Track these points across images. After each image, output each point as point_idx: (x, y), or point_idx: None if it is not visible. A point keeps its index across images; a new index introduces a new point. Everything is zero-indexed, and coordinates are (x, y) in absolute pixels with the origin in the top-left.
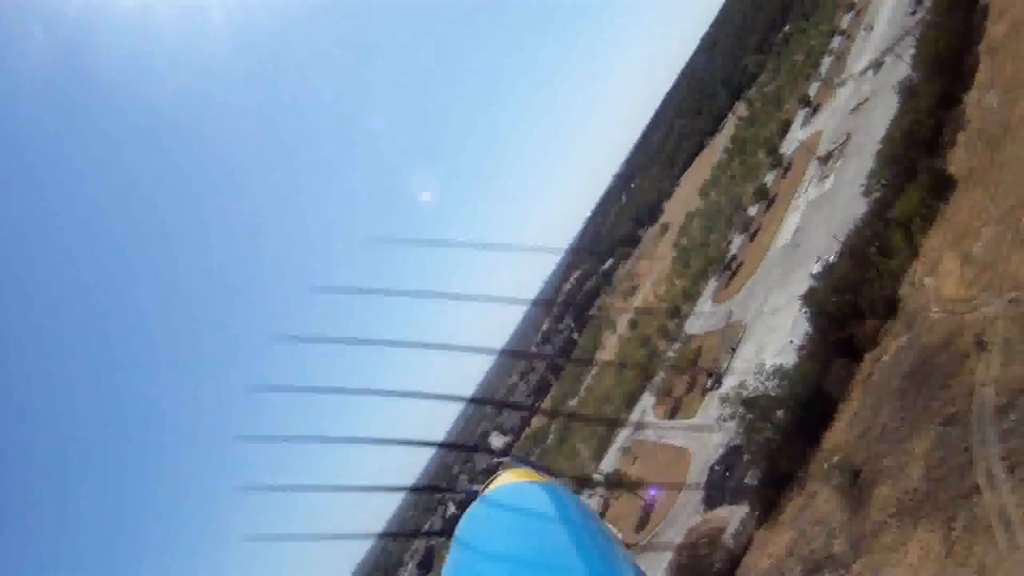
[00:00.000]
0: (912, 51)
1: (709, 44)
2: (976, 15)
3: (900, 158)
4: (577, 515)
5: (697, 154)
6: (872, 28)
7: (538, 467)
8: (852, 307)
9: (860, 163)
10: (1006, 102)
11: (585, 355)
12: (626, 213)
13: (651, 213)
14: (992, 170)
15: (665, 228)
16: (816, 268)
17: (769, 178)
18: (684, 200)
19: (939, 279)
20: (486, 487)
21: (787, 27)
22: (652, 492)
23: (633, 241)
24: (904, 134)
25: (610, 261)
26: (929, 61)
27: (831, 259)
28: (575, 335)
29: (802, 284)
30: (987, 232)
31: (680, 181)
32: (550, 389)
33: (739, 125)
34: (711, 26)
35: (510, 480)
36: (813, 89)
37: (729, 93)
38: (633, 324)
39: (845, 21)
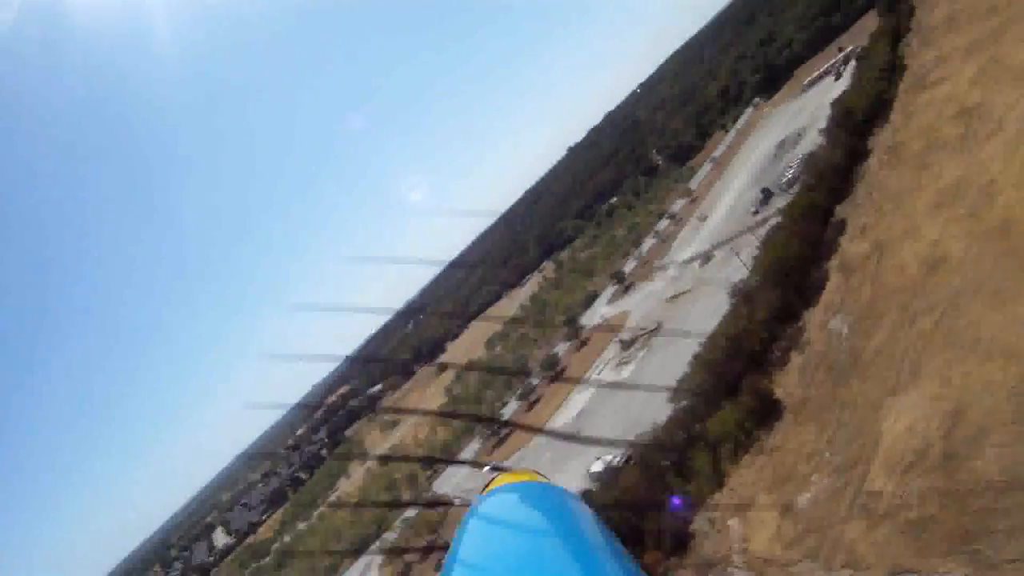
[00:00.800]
0: (752, 252)
1: (532, 199)
2: (830, 229)
3: (720, 367)
4: (577, 515)
5: (494, 303)
6: (706, 219)
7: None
8: (633, 530)
9: (668, 359)
10: (859, 331)
11: (328, 479)
12: (408, 342)
13: (432, 350)
14: (833, 407)
15: (443, 368)
16: (596, 467)
17: (561, 348)
18: (468, 346)
19: (748, 526)
20: (485, 487)
21: (615, 199)
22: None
23: (407, 373)
24: (730, 340)
25: (379, 387)
26: (771, 267)
27: (615, 461)
28: (324, 452)
29: (576, 480)
30: (819, 483)
31: (469, 325)
32: (286, 501)
33: (543, 285)
34: (538, 181)
35: (509, 480)
36: (629, 267)
37: (540, 251)
38: (384, 461)
39: (678, 206)
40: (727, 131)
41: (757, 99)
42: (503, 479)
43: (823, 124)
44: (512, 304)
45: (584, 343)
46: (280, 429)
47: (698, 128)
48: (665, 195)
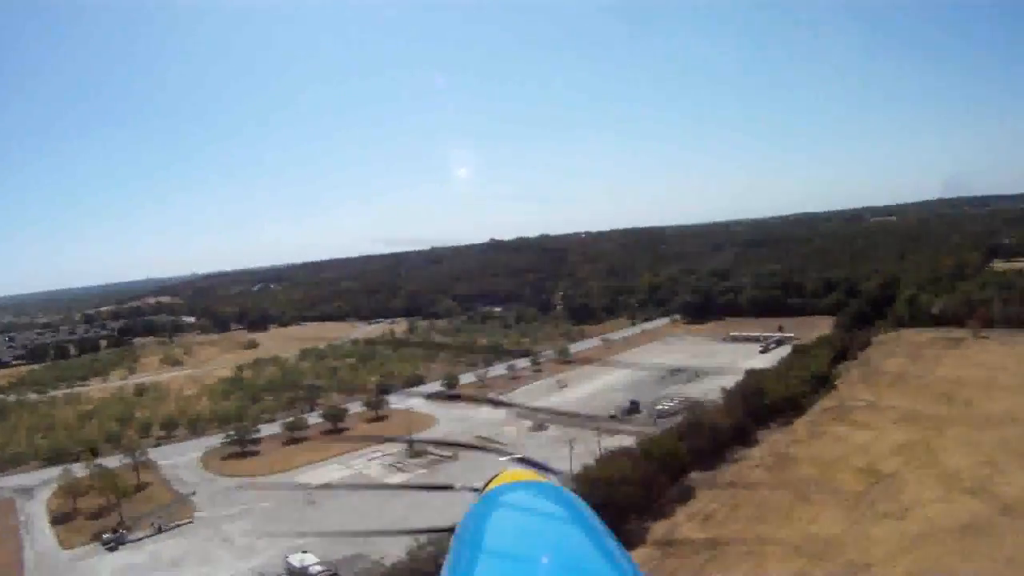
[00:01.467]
0: (588, 452)
1: (436, 258)
2: (673, 489)
3: None
4: (577, 514)
5: (337, 320)
6: (565, 388)
7: (537, 467)
8: None
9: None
10: None
11: (85, 369)
12: (247, 302)
13: (258, 320)
14: None
15: (252, 345)
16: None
17: (355, 408)
18: (288, 339)
19: None
20: (486, 486)
21: (498, 309)
22: None
23: (222, 326)
24: None
25: (192, 320)
26: (594, 484)
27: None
28: (103, 343)
29: None
30: None
31: (305, 324)
32: (41, 361)
33: (386, 335)
34: (451, 246)
35: (510, 479)
36: (465, 379)
37: (406, 305)
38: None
39: (546, 355)
40: (634, 323)
41: (677, 316)
42: (503, 478)
43: (727, 382)
44: (351, 331)
45: (380, 419)
46: (98, 295)
47: (611, 302)
48: (543, 337)
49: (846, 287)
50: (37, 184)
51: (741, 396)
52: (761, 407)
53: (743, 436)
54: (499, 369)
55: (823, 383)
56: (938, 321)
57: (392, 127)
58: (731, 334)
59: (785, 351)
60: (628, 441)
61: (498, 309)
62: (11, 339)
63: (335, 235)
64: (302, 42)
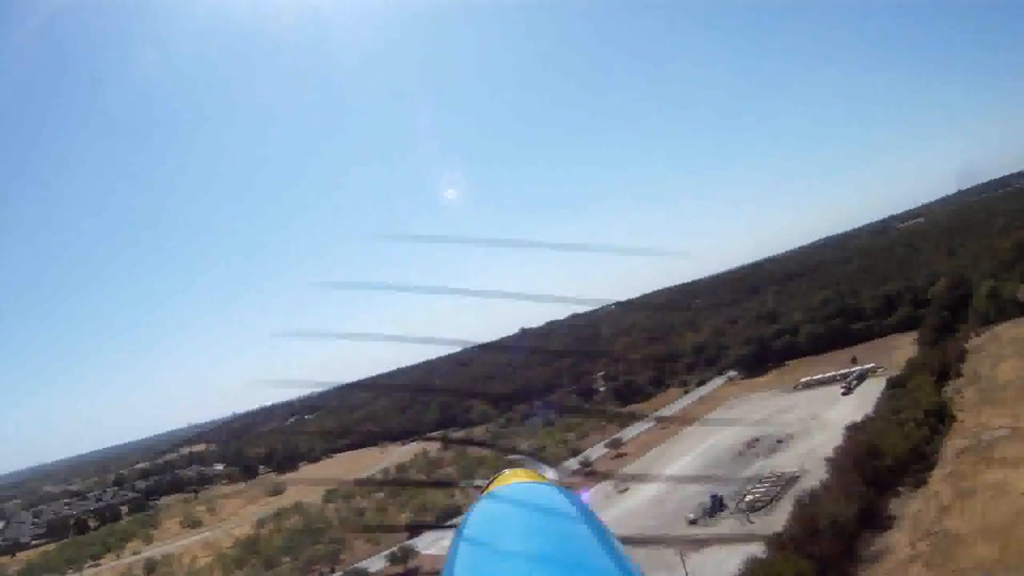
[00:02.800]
0: None
1: (466, 358)
2: None
3: None
4: (578, 514)
5: (368, 446)
6: (625, 493)
7: (539, 467)
8: None
9: None
10: None
11: (100, 546)
12: (275, 438)
13: (286, 460)
14: None
15: (278, 492)
16: None
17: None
18: (327, 476)
19: None
20: (488, 486)
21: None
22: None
23: (250, 472)
24: None
25: (220, 468)
26: None
27: None
28: (125, 508)
29: None
30: None
31: (336, 456)
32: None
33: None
34: (479, 345)
35: (512, 479)
36: None
37: (438, 417)
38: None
39: (597, 451)
40: (687, 391)
41: (734, 372)
42: (505, 479)
43: (821, 444)
44: (381, 459)
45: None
46: (138, 451)
47: (656, 372)
48: (590, 430)
49: (910, 298)
50: (80, 345)
51: (852, 462)
52: (880, 470)
53: (872, 516)
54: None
55: (941, 418)
56: None
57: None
58: (802, 380)
59: (873, 387)
60: (723, 554)
61: (538, 403)
62: (37, 514)
63: (365, 350)
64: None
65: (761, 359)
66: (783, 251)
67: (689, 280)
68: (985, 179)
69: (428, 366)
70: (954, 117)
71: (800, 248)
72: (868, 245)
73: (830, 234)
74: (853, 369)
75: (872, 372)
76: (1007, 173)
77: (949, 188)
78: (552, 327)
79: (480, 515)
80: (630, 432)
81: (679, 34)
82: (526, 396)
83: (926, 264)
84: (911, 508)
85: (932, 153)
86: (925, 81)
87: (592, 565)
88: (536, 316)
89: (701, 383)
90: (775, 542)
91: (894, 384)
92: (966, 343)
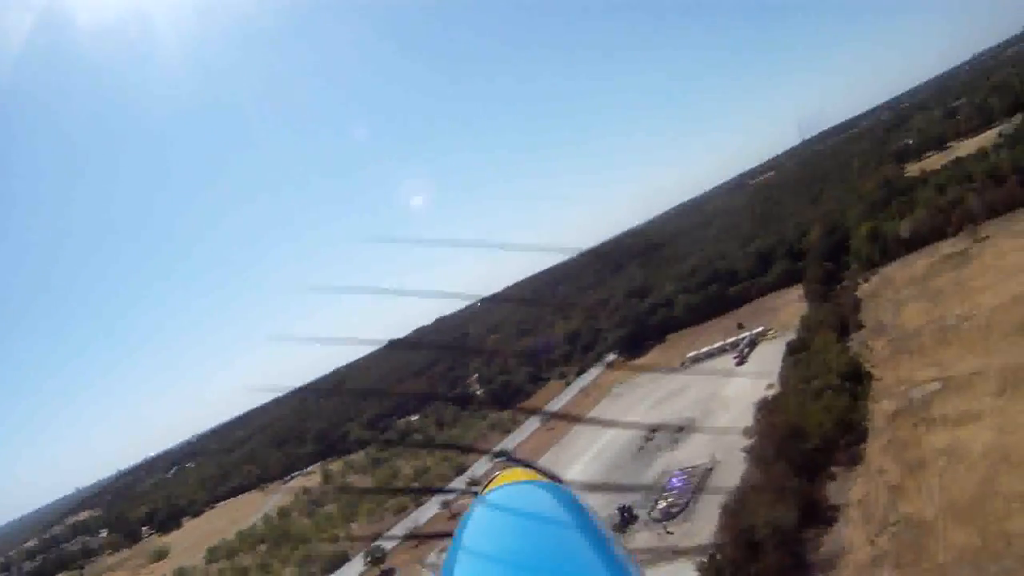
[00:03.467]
0: None
1: (333, 381)
2: None
3: None
4: (578, 514)
5: (250, 489)
6: None
7: (537, 466)
8: None
9: None
10: None
11: None
12: (145, 500)
13: (166, 520)
14: None
15: (159, 557)
16: None
17: None
18: (210, 531)
19: None
20: (486, 486)
21: (415, 417)
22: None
23: (132, 537)
24: None
25: (103, 535)
26: None
27: None
28: None
29: None
30: None
31: (218, 505)
32: None
33: (298, 499)
34: (345, 366)
35: (510, 479)
36: (392, 539)
37: (316, 448)
38: None
39: (483, 467)
40: (568, 383)
41: (613, 355)
42: (504, 477)
43: (730, 425)
44: (263, 503)
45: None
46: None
47: (532, 369)
48: (473, 437)
49: (784, 251)
50: None
51: (775, 449)
52: (807, 453)
53: (812, 509)
54: (432, 507)
55: (857, 379)
56: (911, 246)
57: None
58: (689, 356)
59: (769, 352)
60: None
61: (415, 418)
62: None
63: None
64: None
65: (639, 338)
66: (638, 223)
67: (547, 268)
68: (826, 126)
69: (301, 394)
70: (786, 69)
71: (656, 218)
72: (726, 205)
73: (682, 201)
74: (742, 336)
75: (762, 336)
76: (851, 116)
77: (792, 139)
78: (421, 333)
79: (479, 515)
80: (516, 438)
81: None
82: (403, 411)
83: (791, 216)
84: (855, 493)
85: (770, 106)
86: (745, 38)
87: (592, 565)
88: (400, 327)
89: (582, 372)
90: (711, 567)
91: (794, 349)
92: (856, 291)
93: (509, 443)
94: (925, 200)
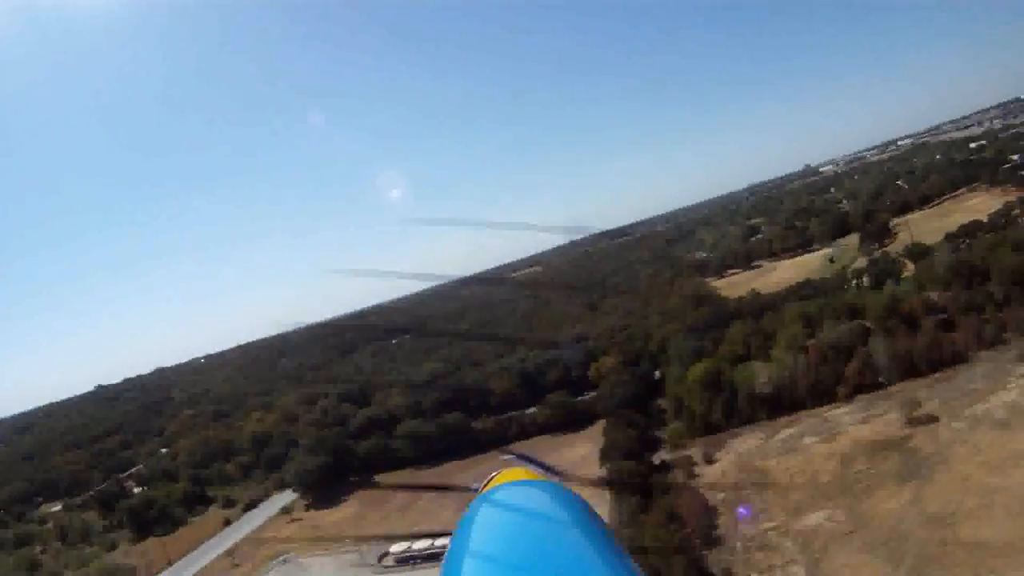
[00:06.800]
0: None
1: None
2: None
3: None
4: (577, 514)
5: None
6: None
7: (537, 466)
8: None
9: None
10: None
11: None
12: None
13: None
14: None
15: None
16: None
17: None
18: None
19: None
20: (485, 486)
21: None
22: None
23: None
24: None
25: None
26: None
27: None
28: None
29: None
30: None
31: None
32: None
33: None
34: None
35: (509, 478)
36: None
37: None
38: None
39: None
40: (228, 521)
41: (294, 494)
42: (502, 477)
43: None
44: None
45: None
46: None
47: (207, 475)
48: None
49: (561, 375)
50: None
51: None
52: None
53: None
54: None
55: None
56: (775, 406)
57: None
58: (393, 551)
59: None
60: None
61: (57, 508)
62: None
63: None
64: None
65: (341, 471)
66: (390, 299)
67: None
68: (593, 230)
69: None
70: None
71: (409, 296)
72: (487, 294)
73: (407, 294)
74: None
75: None
76: (613, 226)
77: (559, 239)
78: (111, 391)
79: (478, 514)
80: None
81: None
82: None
83: (563, 320)
84: None
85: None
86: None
87: (592, 564)
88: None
89: (251, 506)
90: None
91: None
92: (699, 485)
93: None
94: (789, 338)
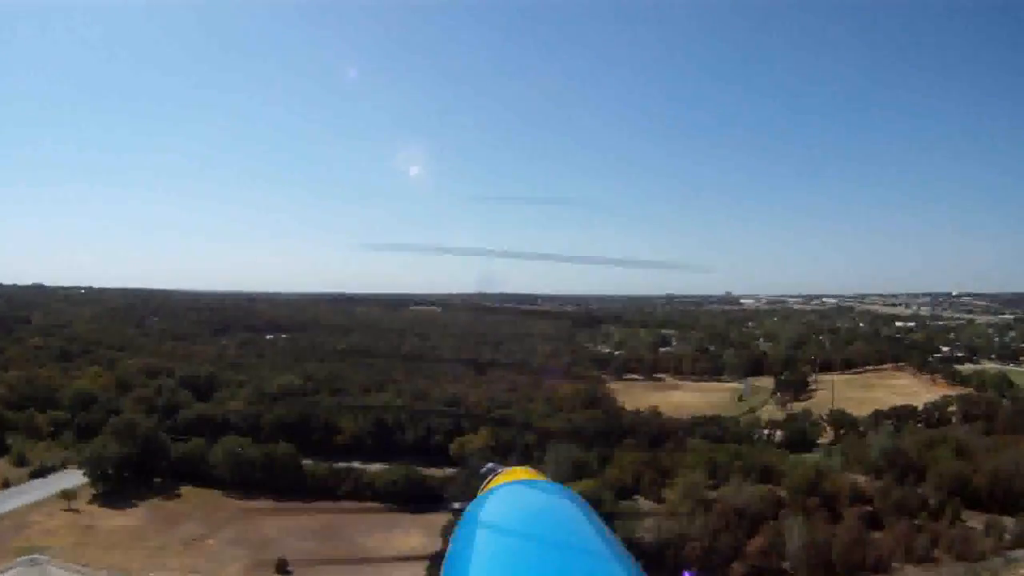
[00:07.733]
0: None
1: None
2: None
3: None
4: (577, 512)
5: None
6: None
7: (536, 466)
8: None
9: None
10: None
11: None
12: None
13: None
14: None
15: None
16: None
17: None
18: None
19: None
20: (486, 485)
21: None
22: None
23: None
24: None
25: None
26: None
27: None
28: None
29: None
30: None
31: None
32: None
33: None
34: None
35: (510, 477)
36: None
37: None
38: None
39: None
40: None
41: (82, 479)
42: (502, 477)
43: None
44: None
45: None
46: None
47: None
48: None
49: (422, 434)
50: None
51: None
52: None
53: None
54: None
55: None
56: (657, 564)
57: None
58: None
59: None
60: None
61: None
62: None
63: None
64: None
65: (146, 468)
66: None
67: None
68: (504, 289)
69: None
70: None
71: (307, 294)
72: (379, 319)
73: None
74: None
75: None
76: (527, 292)
77: (470, 287)
78: None
79: (479, 513)
80: None
81: None
82: None
83: (442, 375)
84: None
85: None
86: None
87: (592, 564)
88: None
89: (40, 473)
90: None
91: None
92: None
93: None
94: (689, 484)
